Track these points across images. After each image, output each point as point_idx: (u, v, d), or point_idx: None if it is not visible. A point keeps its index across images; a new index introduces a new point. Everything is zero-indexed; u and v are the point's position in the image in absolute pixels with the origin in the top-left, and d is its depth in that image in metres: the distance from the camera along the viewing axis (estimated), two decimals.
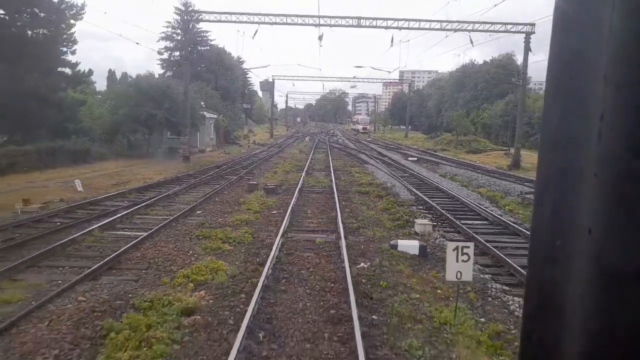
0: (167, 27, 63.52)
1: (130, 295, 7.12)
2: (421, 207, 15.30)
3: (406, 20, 27.62)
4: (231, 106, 61.35)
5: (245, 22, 27.85)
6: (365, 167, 27.65)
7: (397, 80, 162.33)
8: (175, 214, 12.83)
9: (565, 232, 0.71)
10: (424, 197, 16.58)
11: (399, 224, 12.70)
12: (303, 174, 22.63)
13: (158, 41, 63.62)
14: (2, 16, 22.43)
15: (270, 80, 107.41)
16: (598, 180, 0.66)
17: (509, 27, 27.23)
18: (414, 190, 18.17)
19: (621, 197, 0.64)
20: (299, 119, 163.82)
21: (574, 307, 0.69)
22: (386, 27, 27.67)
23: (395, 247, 10.06)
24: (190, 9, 67.25)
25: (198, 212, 13.78)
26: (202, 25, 65.17)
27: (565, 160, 0.72)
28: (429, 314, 6.83)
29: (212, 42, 69.45)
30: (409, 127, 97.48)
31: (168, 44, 63.57)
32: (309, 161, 29.28)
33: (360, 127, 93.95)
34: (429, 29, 27.92)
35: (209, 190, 17.43)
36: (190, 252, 9.56)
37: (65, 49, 24.99)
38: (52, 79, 24.74)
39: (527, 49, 27.24)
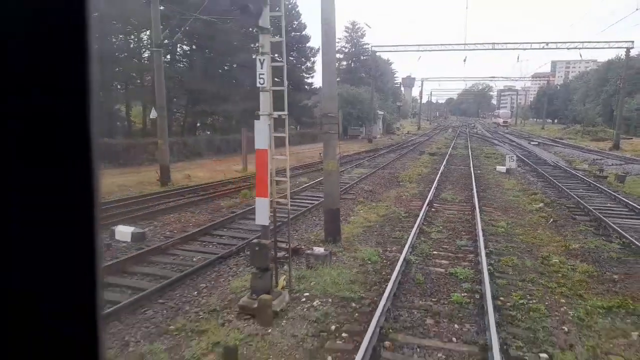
0: (338, 41, 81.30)
1: (398, 171, 22.24)
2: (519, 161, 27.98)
3: (529, 42, 39.00)
4: (387, 103, 76.52)
5: (413, 50, 42.27)
6: (494, 147, 39.96)
7: (547, 73, 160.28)
8: (392, 159, 28.03)
9: None
10: (524, 158, 29.06)
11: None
12: (450, 149, 36.24)
13: (318, 47, 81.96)
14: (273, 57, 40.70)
15: (412, 77, 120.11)
16: None
17: (612, 44, 36.68)
18: (520, 156, 30.60)
19: None
20: (437, 113, 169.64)
21: None
22: (513, 49, 39.43)
23: (494, 169, 23.60)
24: (357, 25, 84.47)
25: (399, 160, 28.78)
26: (364, 40, 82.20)
27: None
28: (499, 181, 20.47)
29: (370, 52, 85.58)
30: (554, 120, 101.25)
31: (339, 55, 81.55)
32: (452, 143, 42.55)
33: (500, 120, 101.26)
34: (547, 48, 38.79)
35: (398, 154, 32.40)
36: (407, 168, 24.44)
37: (307, 75, 42.66)
38: (300, 94, 42.58)
39: (627, 60, 36.34)
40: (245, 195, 15.58)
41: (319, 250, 8.68)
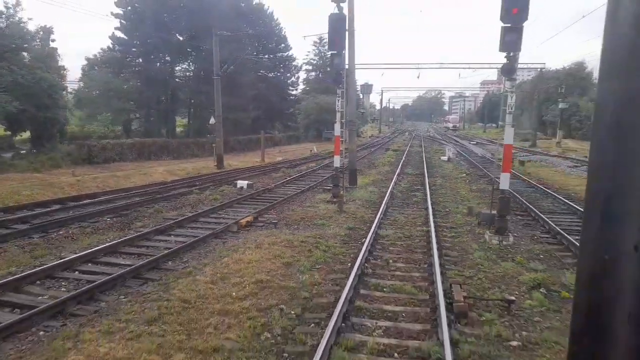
0: (307, 54, 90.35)
1: (373, 161, 31.91)
2: (458, 154, 38.41)
3: (467, 63, 49.95)
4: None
5: (376, 68, 52.36)
6: (442, 145, 50.68)
7: (494, 80, 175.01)
8: (366, 154, 37.69)
9: (613, 249, 0.72)
10: (462, 152, 39.57)
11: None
12: (408, 147, 46.46)
13: (300, 65, 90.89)
14: (265, 73, 49.72)
15: (370, 84, 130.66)
16: None
17: (529, 65, 48.09)
18: (459, 151, 41.14)
19: None
20: (391, 119, 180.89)
21: (622, 324, 0.69)
22: (456, 68, 50.39)
23: (439, 159, 33.77)
24: (324, 40, 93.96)
25: (372, 154, 38.47)
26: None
27: (615, 178, 0.73)
28: (442, 164, 30.52)
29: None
30: (497, 125, 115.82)
31: (308, 67, 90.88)
32: (410, 143, 52.97)
33: (450, 124, 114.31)
34: (480, 67, 49.92)
35: (369, 151, 42.08)
36: (379, 158, 34.15)
37: (292, 88, 51.86)
38: (285, 102, 51.68)
39: (540, 78, 47.91)
40: (285, 172, 24.61)
41: (350, 187, 18.06)
